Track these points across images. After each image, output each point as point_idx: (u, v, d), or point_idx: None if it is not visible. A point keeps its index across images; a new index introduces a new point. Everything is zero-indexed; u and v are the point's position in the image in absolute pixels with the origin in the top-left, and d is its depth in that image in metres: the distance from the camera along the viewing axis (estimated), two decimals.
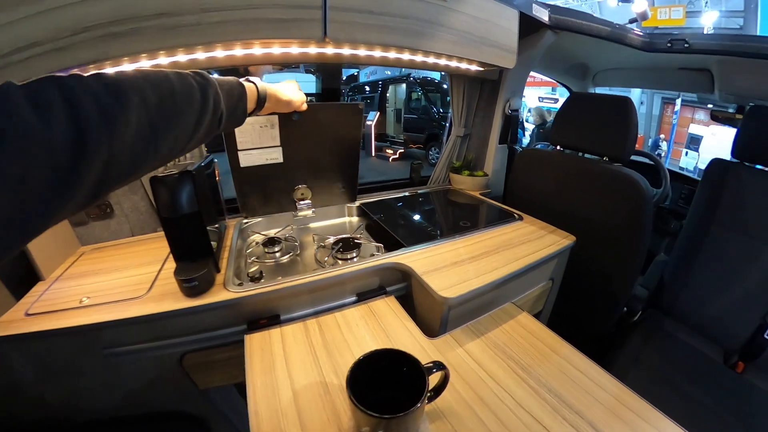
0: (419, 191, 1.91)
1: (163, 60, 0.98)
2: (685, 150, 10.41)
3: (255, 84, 0.81)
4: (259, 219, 1.50)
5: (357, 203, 1.67)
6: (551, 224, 1.44)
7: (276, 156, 1.37)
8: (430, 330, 1.00)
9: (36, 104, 0.35)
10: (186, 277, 0.91)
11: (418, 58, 1.32)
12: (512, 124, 1.92)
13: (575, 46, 1.93)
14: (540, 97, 12.42)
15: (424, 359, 0.65)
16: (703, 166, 9.24)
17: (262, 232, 1.47)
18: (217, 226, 1.23)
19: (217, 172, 1.28)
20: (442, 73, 1.91)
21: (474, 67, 1.51)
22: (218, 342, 0.99)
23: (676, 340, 1.59)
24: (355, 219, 1.68)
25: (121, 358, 0.94)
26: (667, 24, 11.21)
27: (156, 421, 1.12)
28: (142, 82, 0.47)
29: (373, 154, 9.68)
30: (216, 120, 0.63)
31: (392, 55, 1.24)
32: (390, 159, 9.36)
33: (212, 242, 1.05)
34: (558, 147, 1.64)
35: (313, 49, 1.13)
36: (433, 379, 0.66)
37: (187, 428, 1.16)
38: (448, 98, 1.99)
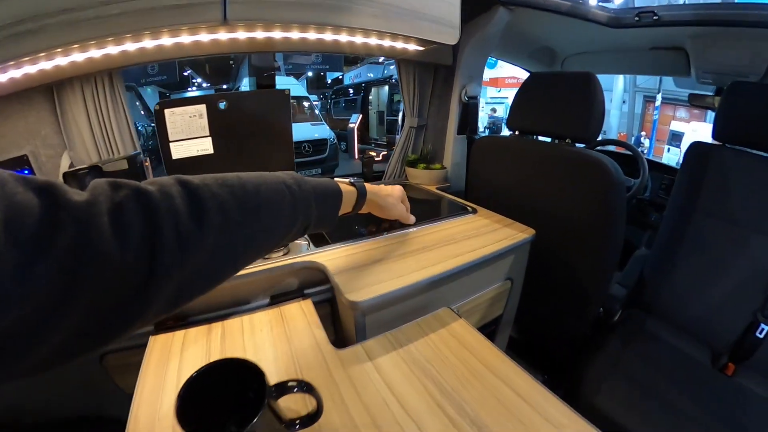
0: None
1: (78, 56, 1.00)
2: (667, 147, 10.48)
3: (355, 186, 0.77)
4: None
5: None
6: (513, 217, 1.30)
7: (206, 147, 1.36)
8: (348, 339, 0.91)
9: (118, 224, 0.34)
10: None
11: (343, 38, 1.20)
12: (470, 112, 1.79)
13: (536, 27, 1.81)
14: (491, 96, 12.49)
15: (323, 372, 0.63)
16: None
17: None
18: None
19: (149, 168, 1.31)
20: None
21: (413, 46, 1.36)
22: (135, 342, 0.89)
23: (658, 342, 1.45)
24: None
25: None
26: None
27: (76, 426, 1.08)
28: (229, 198, 0.45)
29: (356, 157, 9.60)
30: (300, 230, 0.60)
31: (312, 35, 1.14)
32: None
33: None
34: (517, 132, 1.49)
35: (223, 35, 1.08)
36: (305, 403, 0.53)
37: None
38: None
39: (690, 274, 1.51)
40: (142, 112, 6.21)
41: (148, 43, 1.03)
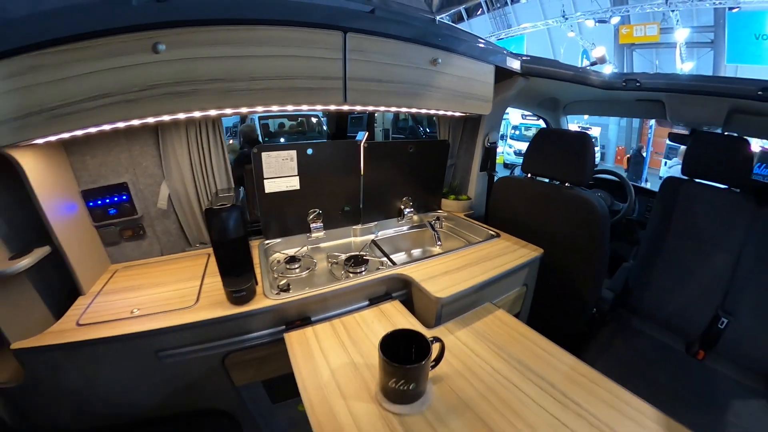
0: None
1: (213, 112, 1.19)
2: (664, 160, 10.77)
3: None
4: (278, 240, 1.69)
5: (360, 226, 1.89)
6: (524, 240, 1.69)
7: (294, 184, 1.62)
8: (428, 324, 1.22)
9: None
10: (236, 289, 1.09)
11: (414, 110, 1.60)
12: (491, 154, 2.21)
13: (545, 86, 2.16)
14: (523, 114, 12.65)
15: None
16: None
17: (282, 251, 1.67)
18: None
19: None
20: None
21: (457, 113, 1.81)
22: (257, 342, 1.16)
23: (642, 334, 1.81)
24: (359, 239, 1.90)
25: (172, 359, 1.08)
26: (642, 41, 11.66)
27: (193, 418, 1.25)
28: None
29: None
30: None
31: (393, 109, 1.54)
32: None
33: None
34: (529, 174, 1.89)
35: (333, 107, 1.37)
36: (435, 352, 0.90)
37: (221, 423, 1.30)
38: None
39: (666, 280, 1.87)
40: None
41: (275, 108, 1.22)
